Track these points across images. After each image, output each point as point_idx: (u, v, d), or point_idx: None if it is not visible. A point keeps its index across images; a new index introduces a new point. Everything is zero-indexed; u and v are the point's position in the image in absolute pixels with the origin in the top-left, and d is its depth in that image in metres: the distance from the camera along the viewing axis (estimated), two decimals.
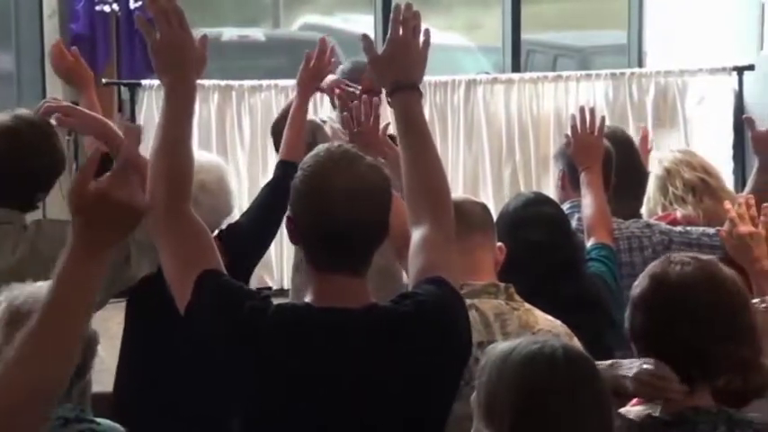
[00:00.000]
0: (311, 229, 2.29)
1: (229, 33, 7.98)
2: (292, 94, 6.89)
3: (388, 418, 2.25)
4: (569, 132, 3.72)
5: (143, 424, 3.23)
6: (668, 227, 3.73)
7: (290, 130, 3.88)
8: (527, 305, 2.94)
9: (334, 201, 2.26)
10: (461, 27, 8.44)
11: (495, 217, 3.16)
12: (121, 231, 1.82)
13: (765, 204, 3.28)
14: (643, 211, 3.98)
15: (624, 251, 3.65)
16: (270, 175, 3.87)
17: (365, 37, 2.56)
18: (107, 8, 6.45)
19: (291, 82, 6.97)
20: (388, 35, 2.52)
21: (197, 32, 2.42)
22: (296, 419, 2.23)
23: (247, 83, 6.74)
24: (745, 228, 2.97)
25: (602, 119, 3.74)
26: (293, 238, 2.34)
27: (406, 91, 2.48)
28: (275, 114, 6.79)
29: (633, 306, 2.31)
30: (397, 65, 2.50)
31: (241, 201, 4.92)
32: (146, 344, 3.48)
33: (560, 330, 2.91)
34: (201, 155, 3.44)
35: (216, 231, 3.44)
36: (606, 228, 3.55)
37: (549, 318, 2.96)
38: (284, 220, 2.37)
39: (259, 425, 2.27)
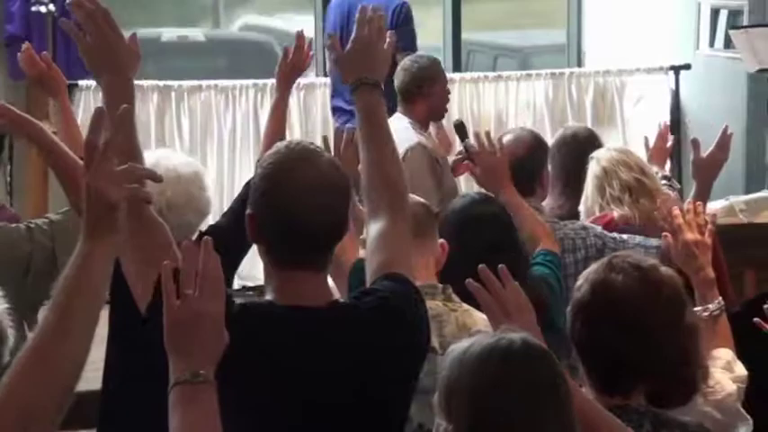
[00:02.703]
0: (273, 226, 2.29)
1: (169, 34, 7.91)
2: (231, 95, 6.96)
3: (351, 412, 2.25)
4: (472, 160, 3.63)
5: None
6: (603, 232, 3.73)
7: (270, 125, 3.82)
8: (465, 306, 2.93)
9: (296, 197, 2.26)
10: None
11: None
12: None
13: (712, 212, 3.28)
14: (581, 209, 3.99)
15: None
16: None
17: (331, 36, 2.65)
18: (43, 8, 6.37)
19: (231, 82, 6.97)
20: (354, 34, 2.59)
21: (128, 32, 2.42)
22: (258, 417, 2.21)
23: (187, 83, 6.68)
24: (691, 236, 2.92)
25: (500, 138, 3.73)
26: (254, 235, 2.33)
27: (368, 87, 2.55)
28: (215, 115, 6.79)
29: (572, 312, 2.33)
30: (361, 62, 2.57)
31: None
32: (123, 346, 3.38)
33: None
34: (171, 163, 3.34)
35: (196, 233, 3.38)
36: (548, 236, 3.54)
37: None
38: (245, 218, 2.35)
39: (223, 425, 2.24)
